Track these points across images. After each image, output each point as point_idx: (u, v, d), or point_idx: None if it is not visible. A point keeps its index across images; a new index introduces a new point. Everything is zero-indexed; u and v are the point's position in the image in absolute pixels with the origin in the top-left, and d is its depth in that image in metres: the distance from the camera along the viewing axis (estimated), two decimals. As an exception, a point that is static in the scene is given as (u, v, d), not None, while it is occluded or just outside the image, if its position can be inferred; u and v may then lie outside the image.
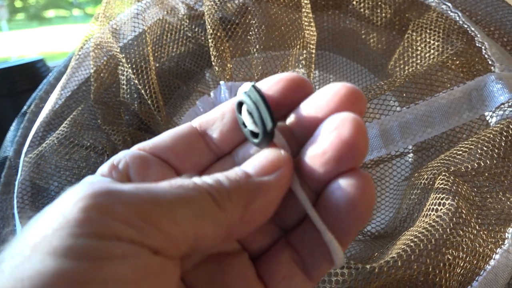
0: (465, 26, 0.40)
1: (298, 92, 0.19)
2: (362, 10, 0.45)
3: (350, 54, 0.47)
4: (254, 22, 0.42)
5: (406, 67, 0.42)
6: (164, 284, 0.14)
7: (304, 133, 0.18)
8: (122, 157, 0.19)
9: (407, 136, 0.37)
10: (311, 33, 0.42)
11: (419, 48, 0.41)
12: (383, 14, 0.44)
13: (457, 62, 0.38)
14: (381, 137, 0.38)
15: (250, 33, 0.42)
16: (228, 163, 0.20)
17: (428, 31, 0.41)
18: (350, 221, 0.17)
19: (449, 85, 0.37)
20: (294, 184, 0.19)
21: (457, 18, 0.41)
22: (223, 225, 0.16)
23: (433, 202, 0.30)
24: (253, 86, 0.18)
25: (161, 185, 0.15)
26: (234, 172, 0.17)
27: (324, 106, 0.18)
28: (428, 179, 0.33)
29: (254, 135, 0.19)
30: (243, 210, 0.16)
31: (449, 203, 0.28)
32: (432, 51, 0.40)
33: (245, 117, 0.19)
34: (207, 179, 0.16)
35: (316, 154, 0.17)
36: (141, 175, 0.18)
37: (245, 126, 0.19)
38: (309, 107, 0.18)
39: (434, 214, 0.28)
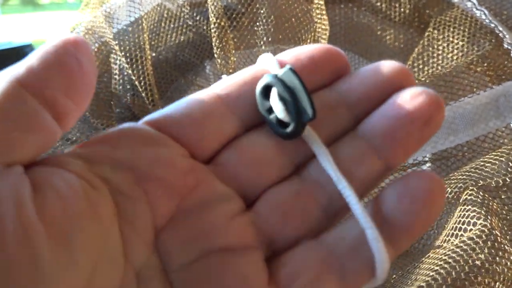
0: (492, 25, 0.37)
1: (332, 67, 0.18)
2: (378, 3, 0.42)
3: (363, 51, 0.43)
4: (262, 12, 0.39)
5: (426, 68, 0.38)
6: None
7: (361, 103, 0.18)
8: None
9: (427, 143, 0.34)
10: (323, 26, 0.39)
11: (440, 48, 0.38)
12: (402, 9, 0.40)
13: (485, 65, 0.34)
14: (398, 143, 0.34)
15: (257, 24, 0.39)
16: (262, 139, 0.18)
17: (451, 29, 0.37)
18: (412, 231, 0.16)
19: (475, 89, 0.34)
20: (336, 172, 0.16)
21: (483, 17, 0.38)
22: None
23: (460, 220, 0.27)
24: (291, 70, 0.16)
25: None
26: None
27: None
28: (452, 193, 0.30)
29: (282, 125, 0.17)
30: None
31: (481, 223, 0.25)
32: (455, 51, 0.37)
33: (274, 103, 0.17)
34: None
35: (403, 121, 0.16)
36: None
37: (270, 114, 0.17)
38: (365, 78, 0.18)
39: (465, 236, 0.25)
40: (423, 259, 0.26)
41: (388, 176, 0.19)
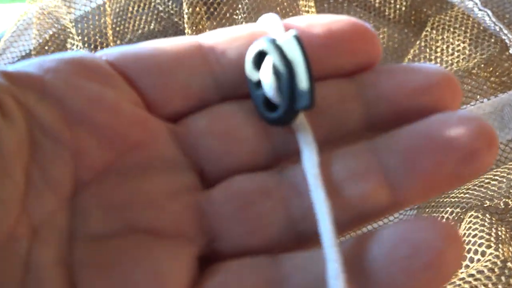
0: (497, 28, 0.33)
1: (357, 49, 0.13)
2: (371, -1, 0.38)
3: (353, 51, 0.39)
4: (242, -1, 0.34)
5: (422, 71, 0.34)
6: None
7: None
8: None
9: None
10: (311, 20, 0.35)
11: (439, 50, 0.34)
12: (397, 6, 0.37)
13: (490, 69, 0.31)
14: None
15: (237, 12, 0.34)
16: (243, 111, 0.14)
17: (451, 29, 0.34)
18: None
19: (478, 97, 0.30)
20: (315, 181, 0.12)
21: (486, 19, 0.34)
22: None
23: (465, 247, 0.23)
24: (295, 37, 0.12)
25: None
26: None
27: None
28: (453, 214, 0.26)
29: (269, 106, 0.13)
30: None
31: (491, 253, 0.21)
32: (456, 53, 0.33)
33: (265, 76, 0.13)
34: None
35: (436, 146, 0.12)
36: None
37: (257, 88, 0.13)
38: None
39: (472, 267, 0.21)
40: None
41: (392, 213, 0.15)
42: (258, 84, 0.13)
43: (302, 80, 0.12)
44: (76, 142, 0.13)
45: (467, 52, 0.32)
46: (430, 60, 0.34)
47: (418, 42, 0.35)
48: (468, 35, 0.33)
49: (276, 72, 0.13)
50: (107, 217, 0.12)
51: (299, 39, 0.13)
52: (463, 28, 0.33)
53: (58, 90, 0.13)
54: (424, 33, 0.35)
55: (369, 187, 0.12)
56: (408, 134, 0.13)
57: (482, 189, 0.26)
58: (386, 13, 0.37)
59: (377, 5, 0.38)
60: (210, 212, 0.13)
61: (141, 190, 0.13)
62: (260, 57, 0.13)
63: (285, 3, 0.34)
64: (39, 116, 0.12)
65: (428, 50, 0.35)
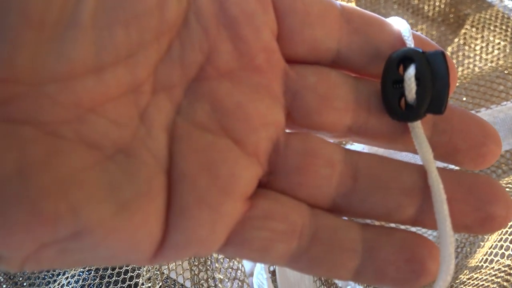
0: (539, 26, 0.33)
1: None
2: (410, -4, 0.37)
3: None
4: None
5: (460, 68, 0.34)
6: None
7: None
8: None
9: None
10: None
11: (478, 48, 0.34)
12: (436, 3, 0.36)
13: (531, 68, 0.30)
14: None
15: None
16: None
17: (491, 28, 0.33)
18: None
19: (516, 95, 0.30)
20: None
21: (528, 17, 0.33)
22: None
23: (496, 245, 0.23)
24: (443, 54, 0.14)
25: None
26: None
27: None
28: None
29: (392, 105, 0.15)
30: None
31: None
32: (496, 51, 0.32)
33: (409, 80, 0.15)
34: None
35: None
36: None
37: (393, 85, 0.15)
38: None
39: (501, 262, 0.21)
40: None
41: None
42: (395, 82, 0.15)
43: (442, 91, 0.14)
44: (217, 40, 0.14)
45: (507, 50, 0.32)
46: (469, 57, 0.34)
47: (456, 40, 0.35)
48: (509, 33, 0.32)
49: (418, 77, 0.15)
50: (212, 113, 0.14)
51: (445, 55, 0.14)
52: (503, 27, 0.33)
53: None
54: (463, 30, 0.35)
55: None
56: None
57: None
58: (425, 10, 0.37)
59: (415, 2, 0.37)
60: (280, 153, 0.14)
61: (245, 106, 0.14)
62: (401, 61, 0.15)
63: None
64: (200, 3, 0.14)
65: (466, 47, 0.34)
